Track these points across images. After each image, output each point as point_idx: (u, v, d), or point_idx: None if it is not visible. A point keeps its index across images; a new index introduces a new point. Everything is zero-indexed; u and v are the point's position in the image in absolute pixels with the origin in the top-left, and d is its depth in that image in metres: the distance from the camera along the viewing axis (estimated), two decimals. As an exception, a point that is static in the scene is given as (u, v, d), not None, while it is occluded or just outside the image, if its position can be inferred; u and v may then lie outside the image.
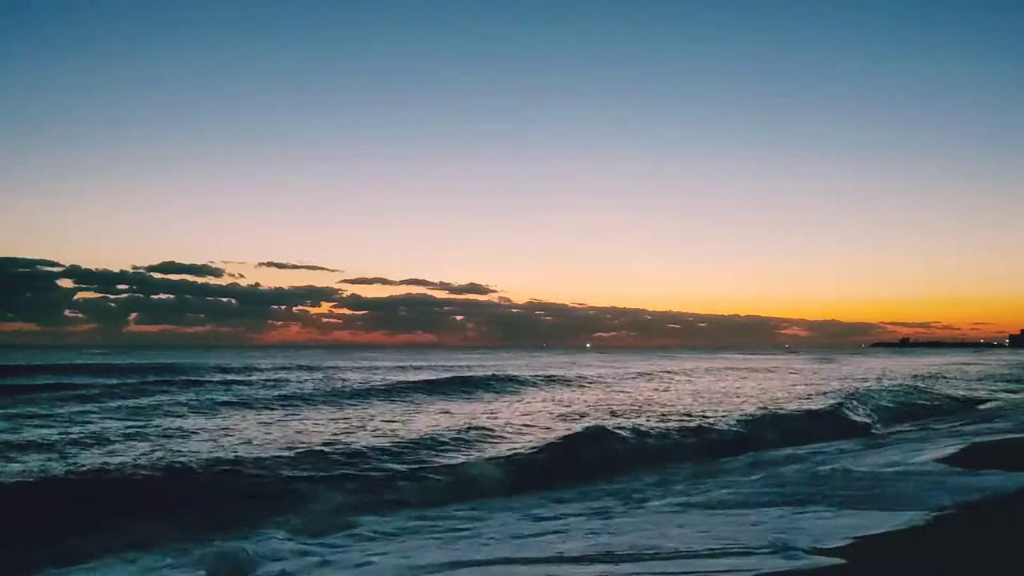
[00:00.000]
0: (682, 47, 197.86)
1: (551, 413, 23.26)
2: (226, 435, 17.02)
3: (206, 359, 66.43)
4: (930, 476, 11.80)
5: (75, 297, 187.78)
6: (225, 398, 25.80)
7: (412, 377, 38.40)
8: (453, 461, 13.89)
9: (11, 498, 10.51)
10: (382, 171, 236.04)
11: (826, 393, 30.84)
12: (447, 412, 23.10)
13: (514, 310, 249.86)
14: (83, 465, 12.60)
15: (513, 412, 23.67)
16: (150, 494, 10.89)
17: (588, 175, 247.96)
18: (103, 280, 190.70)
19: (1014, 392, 35.28)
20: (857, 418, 22.61)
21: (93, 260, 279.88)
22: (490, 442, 16.36)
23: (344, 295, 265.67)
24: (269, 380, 36.61)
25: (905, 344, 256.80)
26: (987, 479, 11.24)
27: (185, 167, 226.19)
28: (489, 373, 39.45)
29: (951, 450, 14.71)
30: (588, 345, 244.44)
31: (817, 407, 24.37)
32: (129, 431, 17.22)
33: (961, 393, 33.65)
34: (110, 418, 20.10)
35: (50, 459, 13.37)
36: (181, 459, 13.17)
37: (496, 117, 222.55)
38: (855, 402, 26.03)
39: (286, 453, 13.96)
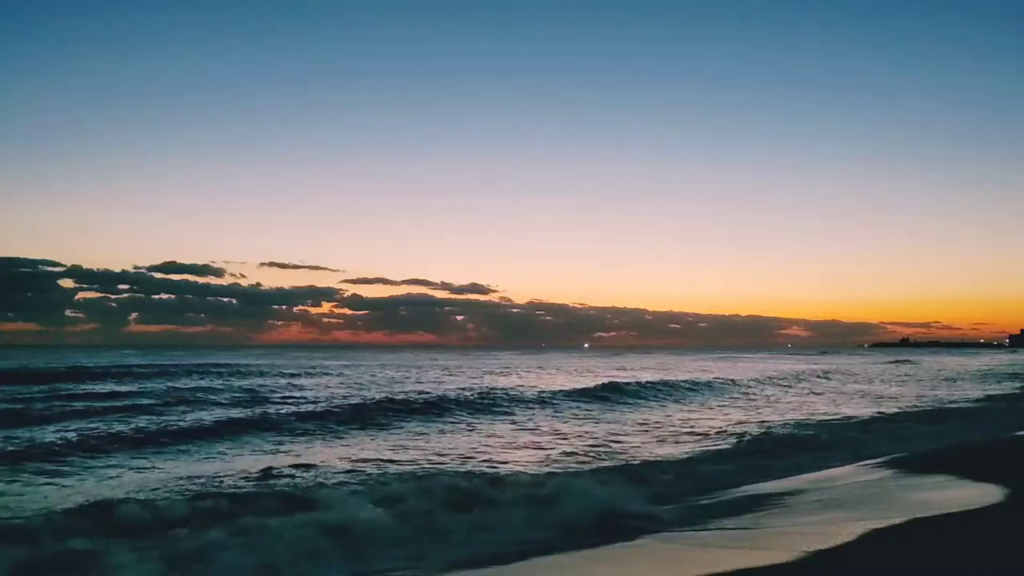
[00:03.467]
0: (682, 50, 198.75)
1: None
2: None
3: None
4: None
5: (76, 297, 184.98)
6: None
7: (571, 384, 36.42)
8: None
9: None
10: (384, 172, 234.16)
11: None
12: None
13: (515, 310, 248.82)
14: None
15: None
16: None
17: (589, 176, 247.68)
18: (104, 280, 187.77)
19: None
20: None
21: (94, 260, 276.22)
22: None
23: (345, 295, 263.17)
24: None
25: (905, 344, 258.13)
26: None
27: (186, 168, 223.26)
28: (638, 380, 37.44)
29: None
30: (587, 345, 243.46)
31: None
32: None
33: None
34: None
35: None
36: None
37: (498, 119, 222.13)
38: None
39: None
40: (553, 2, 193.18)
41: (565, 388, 31.33)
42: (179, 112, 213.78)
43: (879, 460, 12.93)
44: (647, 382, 35.06)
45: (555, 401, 26.59)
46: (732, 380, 40.62)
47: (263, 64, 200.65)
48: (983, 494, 9.21)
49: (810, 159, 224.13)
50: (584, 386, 32.33)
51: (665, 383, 35.16)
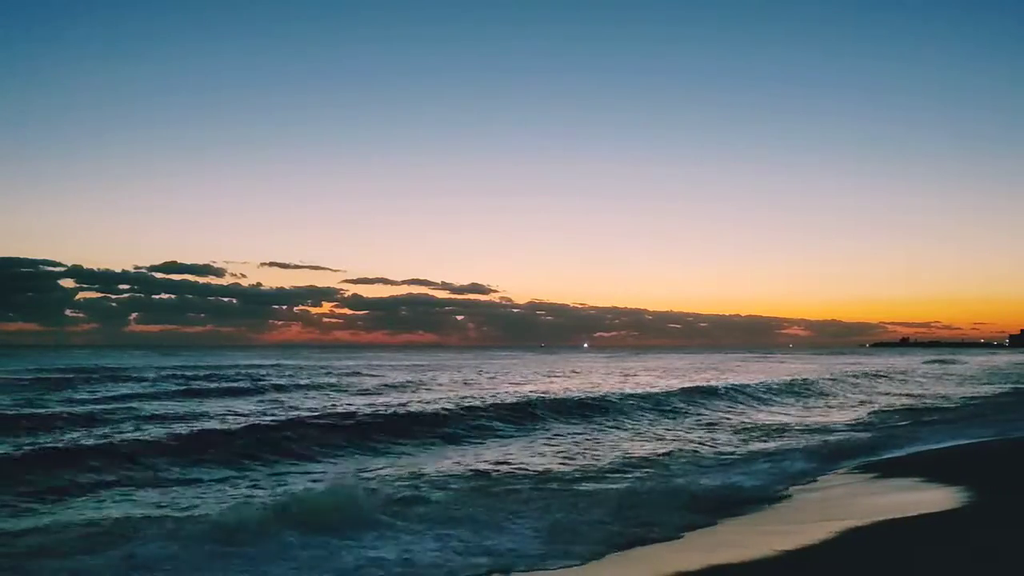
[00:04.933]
0: (682, 49, 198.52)
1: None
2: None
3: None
4: None
5: (77, 297, 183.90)
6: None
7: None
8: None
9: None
10: (385, 172, 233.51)
11: None
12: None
13: (515, 310, 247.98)
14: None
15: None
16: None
17: (589, 176, 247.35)
18: (105, 280, 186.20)
19: None
20: None
21: (95, 260, 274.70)
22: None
23: (346, 295, 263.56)
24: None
25: (905, 344, 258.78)
26: None
27: (187, 168, 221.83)
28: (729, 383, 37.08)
29: None
30: (586, 345, 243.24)
31: None
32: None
33: None
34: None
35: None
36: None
37: (499, 118, 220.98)
38: None
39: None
40: (554, 2, 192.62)
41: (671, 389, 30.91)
42: (179, 112, 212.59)
43: (859, 464, 13.67)
44: (733, 385, 34.59)
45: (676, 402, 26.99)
46: (808, 380, 40.14)
47: (263, 64, 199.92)
48: (947, 497, 10.01)
49: (810, 159, 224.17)
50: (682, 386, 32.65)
51: (744, 386, 34.87)
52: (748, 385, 34.51)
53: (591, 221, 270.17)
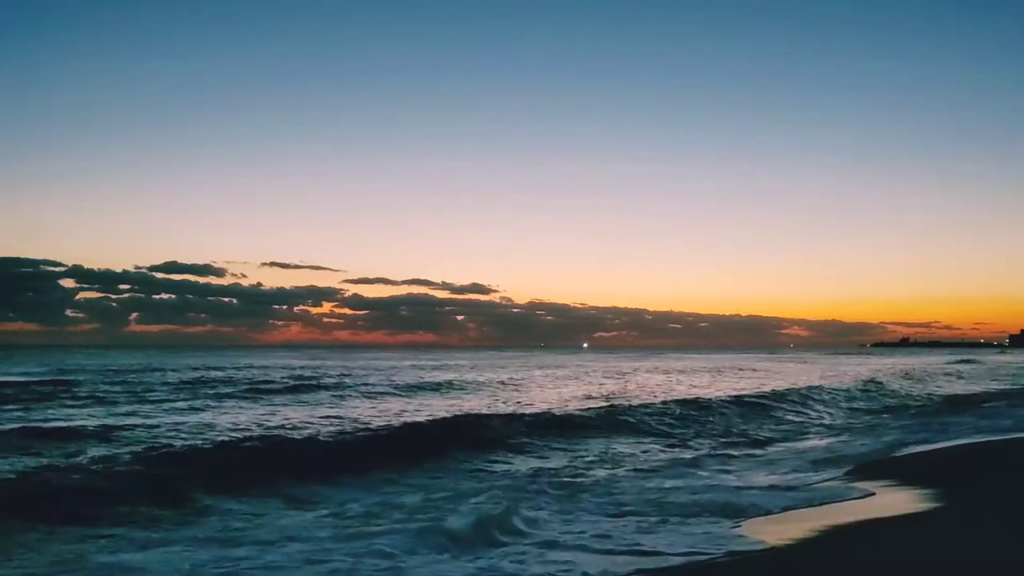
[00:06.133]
0: (682, 50, 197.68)
1: None
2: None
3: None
4: None
5: (77, 297, 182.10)
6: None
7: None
8: None
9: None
10: (385, 171, 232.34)
11: None
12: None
13: (515, 310, 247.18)
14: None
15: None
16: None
17: (589, 176, 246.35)
18: (105, 280, 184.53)
19: None
20: None
21: (95, 260, 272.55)
22: None
23: (346, 295, 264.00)
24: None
25: (905, 344, 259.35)
26: None
27: (188, 167, 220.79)
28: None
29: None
30: (585, 345, 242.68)
31: None
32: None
33: None
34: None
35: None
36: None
37: (499, 118, 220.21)
38: None
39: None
40: (554, 2, 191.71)
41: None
42: (179, 112, 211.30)
43: (846, 469, 14.25)
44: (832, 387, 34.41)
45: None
46: (879, 381, 39.57)
47: (263, 64, 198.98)
48: (917, 499, 10.86)
49: (811, 159, 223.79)
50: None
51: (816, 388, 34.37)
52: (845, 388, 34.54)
53: (591, 221, 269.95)
